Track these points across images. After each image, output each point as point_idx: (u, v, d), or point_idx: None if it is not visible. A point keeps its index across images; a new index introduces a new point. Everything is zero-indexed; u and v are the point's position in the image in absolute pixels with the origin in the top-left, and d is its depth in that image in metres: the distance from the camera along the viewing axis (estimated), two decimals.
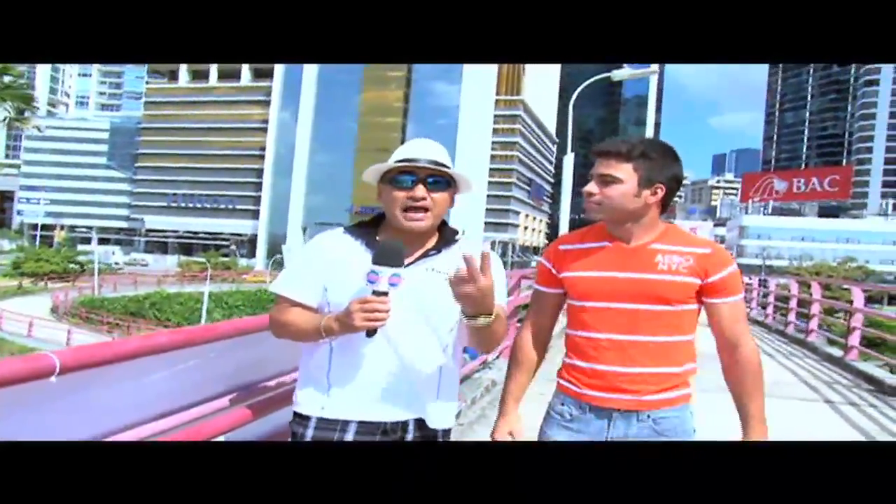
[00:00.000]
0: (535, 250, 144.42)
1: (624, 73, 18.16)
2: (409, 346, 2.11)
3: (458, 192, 2.23)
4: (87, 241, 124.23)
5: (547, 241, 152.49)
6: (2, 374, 1.55)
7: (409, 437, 2.16)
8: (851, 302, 10.84)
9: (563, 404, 2.34)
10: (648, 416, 2.23)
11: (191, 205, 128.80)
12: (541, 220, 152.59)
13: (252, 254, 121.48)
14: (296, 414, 2.20)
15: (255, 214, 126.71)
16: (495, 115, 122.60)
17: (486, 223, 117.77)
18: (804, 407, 7.46)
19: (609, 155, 2.22)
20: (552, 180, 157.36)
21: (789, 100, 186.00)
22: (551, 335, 2.49)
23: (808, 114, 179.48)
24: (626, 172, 2.19)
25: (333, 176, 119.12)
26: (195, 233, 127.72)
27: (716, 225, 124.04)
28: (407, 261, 2.07)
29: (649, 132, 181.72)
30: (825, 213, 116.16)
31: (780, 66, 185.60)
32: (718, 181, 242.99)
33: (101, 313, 45.20)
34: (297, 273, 2.20)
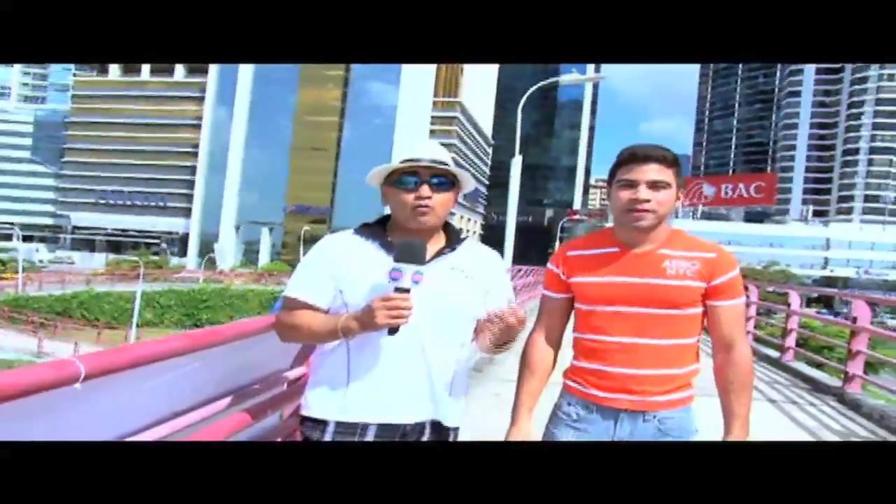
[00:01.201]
0: None
1: (572, 77, 18.34)
2: (430, 344, 2.10)
3: (461, 191, 2.26)
4: (9, 237, 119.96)
5: (482, 242, 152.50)
6: (30, 381, 1.56)
7: (426, 438, 2.15)
8: (789, 304, 11.21)
9: (569, 404, 2.39)
10: (654, 416, 2.27)
11: (120, 202, 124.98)
12: (475, 222, 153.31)
13: (183, 252, 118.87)
14: (307, 419, 2.16)
15: (186, 212, 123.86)
16: (432, 117, 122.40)
17: None
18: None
19: (658, 160, 2.22)
20: (487, 182, 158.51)
21: (718, 108, 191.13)
22: (562, 339, 2.52)
23: (735, 122, 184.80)
24: (671, 178, 2.23)
25: (268, 174, 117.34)
26: (124, 230, 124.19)
27: None
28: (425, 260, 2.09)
29: (583, 136, 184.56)
30: (750, 218, 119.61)
31: (710, 75, 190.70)
32: None
33: (25, 312, 43.73)
34: (309, 275, 2.17)
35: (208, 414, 2.41)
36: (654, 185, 2.22)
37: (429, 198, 2.12)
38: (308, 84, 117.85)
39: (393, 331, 1.98)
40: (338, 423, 2.09)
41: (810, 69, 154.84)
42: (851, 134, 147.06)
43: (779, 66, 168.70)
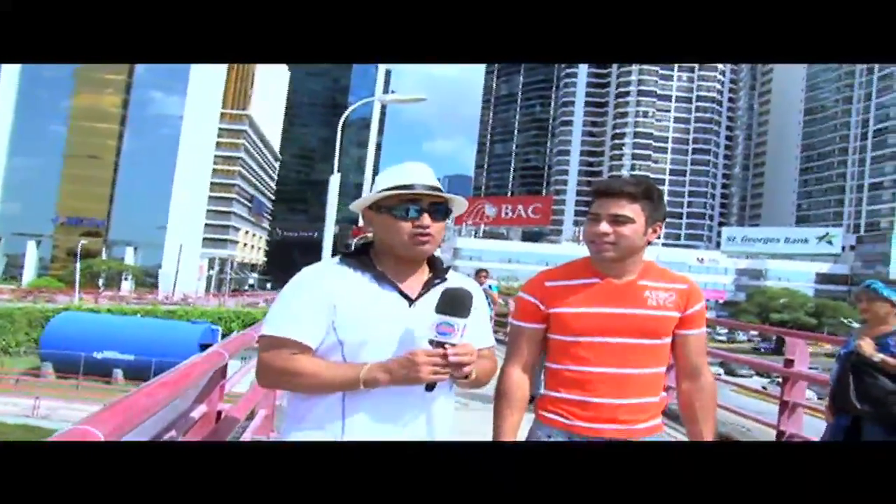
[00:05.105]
0: (253, 267, 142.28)
1: (392, 98, 18.70)
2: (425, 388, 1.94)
3: (449, 215, 2.17)
4: None
5: (266, 259, 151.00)
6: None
7: None
8: None
9: (549, 437, 2.38)
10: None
11: None
12: (260, 237, 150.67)
13: None
14: None
15: None
16: (220, 129, 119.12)
17: (204, 238, 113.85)
18: None
19: (621, 195, 2.31)
20: (273, 197, 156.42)
21: (498, 132, 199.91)
22: (535, 371, 2.50)
23: (514, 146, 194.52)
24: (636, 212, 2.30)
25: (36, 182, 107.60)
26: None
27: None
28: (414, 294, 2.02)
29: (370, 153, 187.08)
30: (528, 237, 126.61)
31: (492, 101, 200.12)
32: None
33: None
34: (299, 311, 1.95)
35: None
36: (615, 220, 2.29)
37: (428, 226, 2.00)
38: (84, 88, 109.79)
39: (430, 386, 1.86)
40: None
41: (580, 101, 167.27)
42: (615, 162, 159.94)
43: (553, 97, 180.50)
